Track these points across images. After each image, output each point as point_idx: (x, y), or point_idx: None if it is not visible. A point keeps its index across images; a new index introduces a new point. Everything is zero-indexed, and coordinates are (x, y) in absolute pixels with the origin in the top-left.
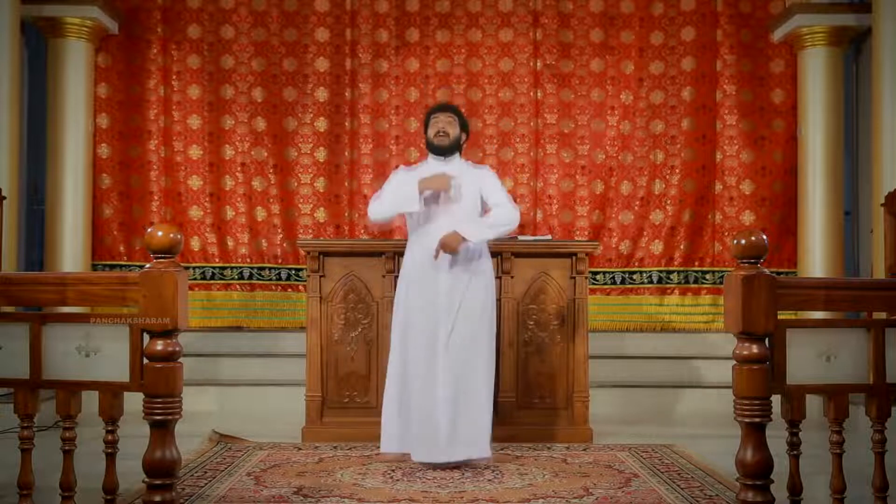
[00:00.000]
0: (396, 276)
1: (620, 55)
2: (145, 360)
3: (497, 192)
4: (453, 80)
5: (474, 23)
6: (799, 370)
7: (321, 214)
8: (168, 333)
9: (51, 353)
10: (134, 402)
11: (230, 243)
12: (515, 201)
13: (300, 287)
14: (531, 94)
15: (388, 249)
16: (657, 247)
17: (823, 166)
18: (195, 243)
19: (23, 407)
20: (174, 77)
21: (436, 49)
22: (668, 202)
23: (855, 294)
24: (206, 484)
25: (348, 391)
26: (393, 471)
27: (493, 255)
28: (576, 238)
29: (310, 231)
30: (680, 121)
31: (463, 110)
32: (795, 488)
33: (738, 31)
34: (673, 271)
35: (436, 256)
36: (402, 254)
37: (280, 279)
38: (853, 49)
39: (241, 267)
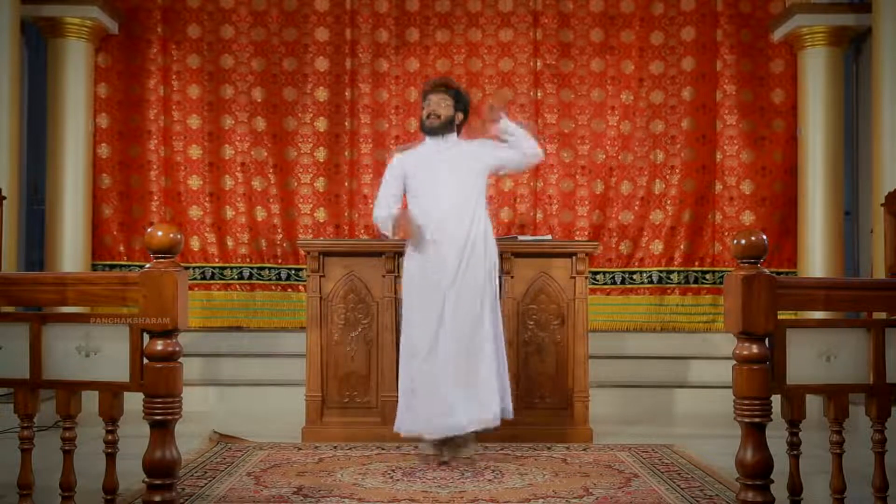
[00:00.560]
0: (396, 276)
1: (620, 55)
2: (145, 360)
3: (501, 143)
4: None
5: (474, 23)
6: (799, 370)
7: (321, 214)
8: (168, 333)
9: (51, 353)
10: (134, 402)
11: (230, 243)
12: (515, 201)
13: (300, 287)
14: (531, 93)
15: (388, 249)
16: (657, 247)
17: (823, 166)
18: (195, 243)
19: (23, 407)
20: (174, 77)
21: (436, 49)
22: (668, 202)
23: (855, 294)
24: (206, 484)
25: (348, 391)
26: (393, 471)
27: None
28: (576, 238)
29: (310, 231)
30: (680, 121)
31: None
32: (795, 488)
33: (738, 31)
34: (673, 271)
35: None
36: (402, 254)
37: (280, 279)
38: (853, 49)
39: (240, 267)
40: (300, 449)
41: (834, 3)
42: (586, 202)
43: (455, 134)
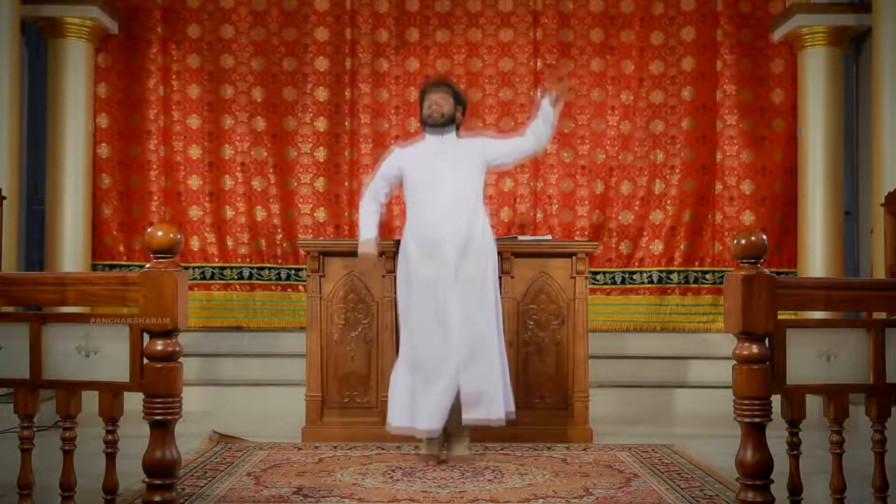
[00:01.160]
0: (396, 277)
1: (620, 55)
2: (145, 360)
3: (508, 139)
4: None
5: (474, 22)
6: (799, 370)
7: (321, 214)
8: (168, 333)
9: (51, 353)
10: (134, 402)
11: (230, 243)
12: (515, 201)
13: (300, 287)
14: (531, 93)
15: (388, 249)
16: (657, 247)
17: (823, 166)
18: (195, 243)
19: (23, 407)
20: (174, 77)
21: (436, 49)
22: (668, 202)
23: (855, 294)
24: (206, 484)
25: (348, 391)
26: (393, 471)
27: None
28: (576, 238)
29: (310, 231)
30: (680, 121)
31: None
32: (795, 488)
33: (738, 31)
34: (673, 271)
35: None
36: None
37: (280, 279)
38: (853, 49)
39: (240, 267)
40: (300, 449)
41: (834, 3)
42: (586, 202)
43: (454, 132)
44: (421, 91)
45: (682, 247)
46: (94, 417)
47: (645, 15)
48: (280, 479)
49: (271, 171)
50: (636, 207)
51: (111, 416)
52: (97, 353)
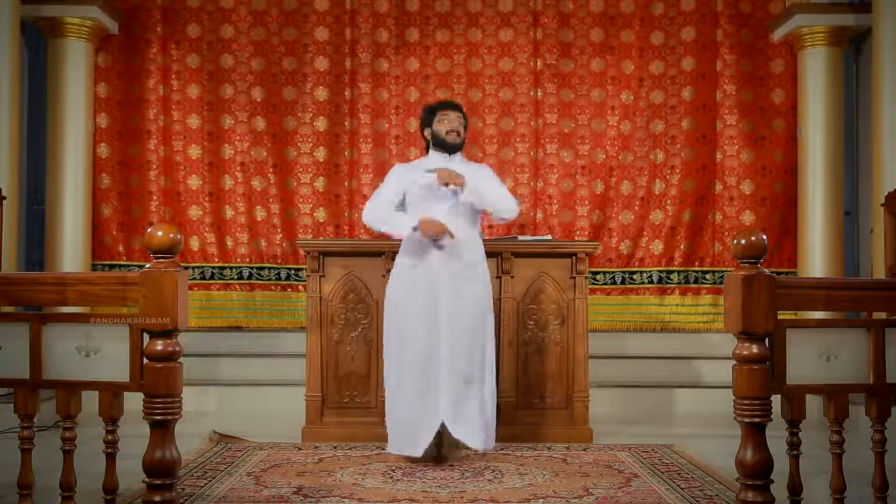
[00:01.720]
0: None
1: (620, 55)
2: (145, 360)
3: (497, 188)
4: (453, 79)
5: (474, 22)
6: (799, 370)
7: (321, 214)
8: (168, 333)
9: (51, 353)
10: (134, 402)
11: (229, 243)
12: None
13: (300, 287)
14: (531, 93)
15: (388, 249)
16: (657, 247)
17: (823, 166)
18: (194, 243)
19: (23, 407)
20: (173, 76)
21: (436, 49)
22: (669, 202)
23: (855, 294)
24: (206, 484)
25: (348, 391)
26: (393, 471)
27: (493, 255)
28: (576, 238)
29: (309, 231)
30: (680, 121)
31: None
32: (795, 488)
33: (738, 31)
34: (673, 271)
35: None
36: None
37: (280, 279)
38: (853, 49)
39: (240, 267)
40: (300, 449)
41: (834, 3)
42: (586, 202)
43: (460, 154)
44: (433, 108)
45: (682, 247)
46: (94, 417)
47: (645, 15)
48: (280, 479)
49: (271, 170)
50: (636, 207)
51: (111, 416)
52: (97, 353)
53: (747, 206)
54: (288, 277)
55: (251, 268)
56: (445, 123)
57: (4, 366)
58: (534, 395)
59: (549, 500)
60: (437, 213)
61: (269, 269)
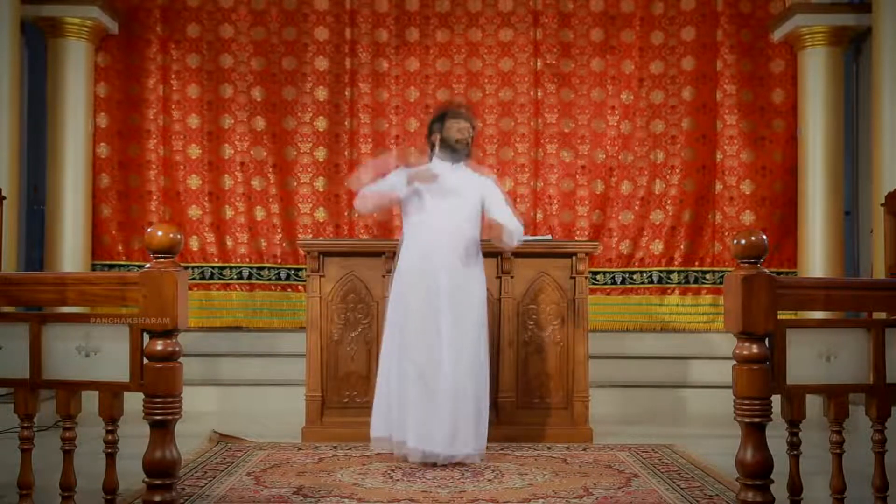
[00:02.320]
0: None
1: (621, 55)
2: (145, 360)
3: (503, 206)
4: (453, 79)
5: (474, 22)
6: (799, 370)
7: (321, 214)
8: (168, 333)
9: (51, 353)
10: (134, 402)
11: (229, 243)
12: (515, 201)
13: (299, 287)
14: (531, 93)
15: (388, 249)
16: (657, 247)
17: (823, 166)
18: (194, 243)
19: (23, 407)
20: (173, 76)
21: (436, 49)
22: (669, 202)
23: (855, 294)
24: (206, 484)
25: (348, 391)
26: (393, 471)
27: (493, 255)
28: (576, 238)
29: (309, 231)
30: (680, 120)
31: None
32: (795, 488)
33: (738, 30)
34: (673, 271)
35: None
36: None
37: (279, 279)
38: (853, 49)
39: (240, 267)
40: (300, 449)
41: (834, 3)
42: (586, 202)
43: (464, 162)
44: (445, 113)
45: (682, 247)
46: (94, 417)
47: (645, 15)
48: (280, 479)
49: (271, 170)
50: (636, 207)
51: (111, 416)
52: (97, 353)
53: (747, 206)
54: (288, 277)
55: (251, 268)
56: (455, 132)
57: (4, 366)
58: (534, 395)
59: (549, 500)
60: (439, 212)
61: (269, 269)
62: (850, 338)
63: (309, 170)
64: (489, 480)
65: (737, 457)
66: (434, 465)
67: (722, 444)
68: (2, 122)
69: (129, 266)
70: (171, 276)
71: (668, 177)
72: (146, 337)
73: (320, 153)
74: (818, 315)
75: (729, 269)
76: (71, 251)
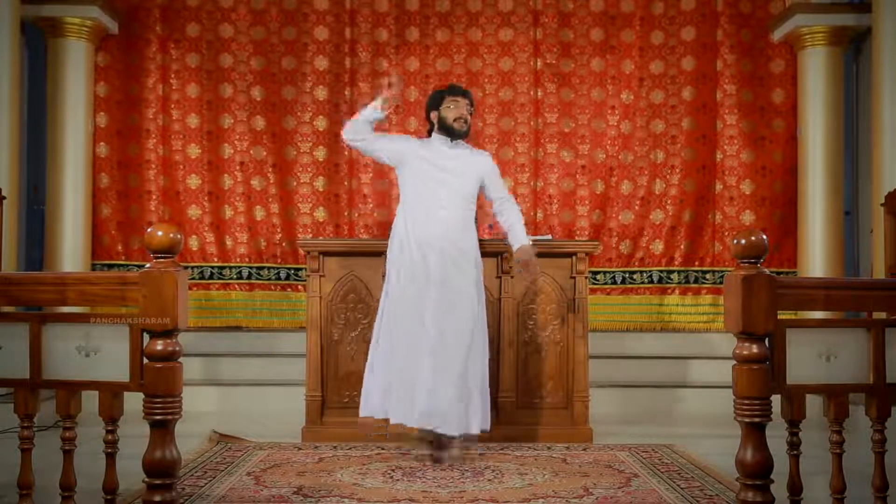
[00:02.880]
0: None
1: (621, 54)
2: (145, 360)
3: (501, 186)
4: (453, 79)
5: (474, 22)
6: (799, 370)
7: (321, 214)
8: (168, 333)
9: (51, 353)
10: (134, 402)
11: (229, 243)
12: (515, 201)
13: (299, 287)
14: (531, 93)
15: (387, 250)
16: (657, 246)
17: (823, 166)
18: (194, 243)
19: (23, 407)
20: (173, 76)
21: (436, 48)
22: (669, 202)
23: (855, 294)
24: (206, 484)
25: (348, 391)
26: (393, 471)
27: (494, 255)
28: (576, 238)
29: (309, 230)
30: (680, 120)
31: None
32: (795, 488)
33: (738, 30)
34: (673, 271)
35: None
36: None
37: (279, 279)
38: (853, 49)
39: (239, 266)
40: (300, 449)
41: (834, 3)
42: (586, 202)
43: (463, 140)
44: (443, 92)
45: (682, 247)
46: (94, 417)
47: (645, 14)
48: (280, 479)
49: (270, 170)
50: (636, 207)
51: (111, 416)
52: (97, 353)
53: (747, 206)
54: (287, 277)
55: (251, 267)
56: (453, 110)
57: (4, 366)
58: (534, 395)
59: (549, 500)
60: (438, 197)
61: (269, 268)
62: (850, 338)
63: (309, 169)
64: (489, 480)
65: (737, 457)
66: (433, 463)
67: (722, 444)
68: (2, 122)
69: (128, 266)
70: (170, 276)
71: (668, 177)
72: (146, 337)
73: (320, 153)
74: (818, 315)
75: (729, 268)
76: (71, 251)
